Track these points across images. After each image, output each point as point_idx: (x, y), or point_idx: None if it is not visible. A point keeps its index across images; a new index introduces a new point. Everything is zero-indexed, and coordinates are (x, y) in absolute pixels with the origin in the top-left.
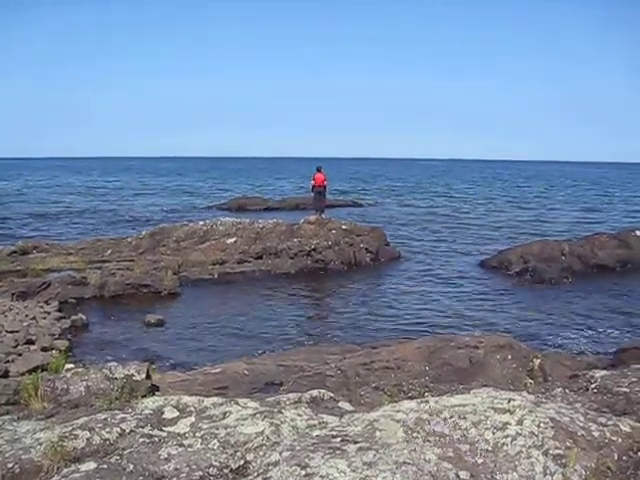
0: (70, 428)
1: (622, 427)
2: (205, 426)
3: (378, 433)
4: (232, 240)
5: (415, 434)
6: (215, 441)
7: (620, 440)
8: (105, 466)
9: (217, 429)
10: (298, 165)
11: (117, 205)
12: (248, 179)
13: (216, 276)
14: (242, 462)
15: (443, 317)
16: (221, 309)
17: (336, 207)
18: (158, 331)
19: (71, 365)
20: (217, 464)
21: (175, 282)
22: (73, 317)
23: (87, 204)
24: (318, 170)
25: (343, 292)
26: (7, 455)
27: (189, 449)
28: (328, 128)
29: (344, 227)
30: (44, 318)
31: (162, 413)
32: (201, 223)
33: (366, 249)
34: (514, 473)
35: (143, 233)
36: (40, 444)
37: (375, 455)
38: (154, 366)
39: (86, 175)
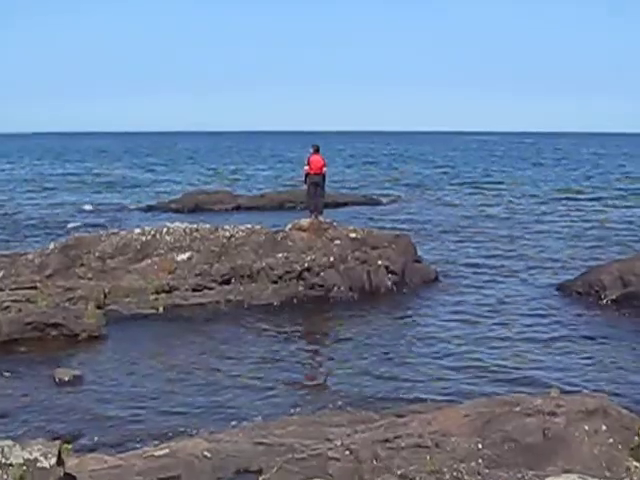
0: None
1: None
2: None
3: None
4: (185, 256)
5: None
6: None
7: None
8: None
9: None
10: (280, 142)
11: (8, 205)
12: (207, 164)
13: (161, 310)
14: None
15: (502, 369)
16: (168, 360)
17: (341, 206)
18: (75, 392)
19: None
20: None
21: (99, 320)
22: None
23: None
24: (315, 151)
25: (352, 333)
26: None
27: None
28: (325, 89)
29: (353, 235)
30: None
31: None
32: (138, 231)
33: (387, 268)
34: None
35: (51, 247)
36: None
37: None
38: (69, 446)
39: None
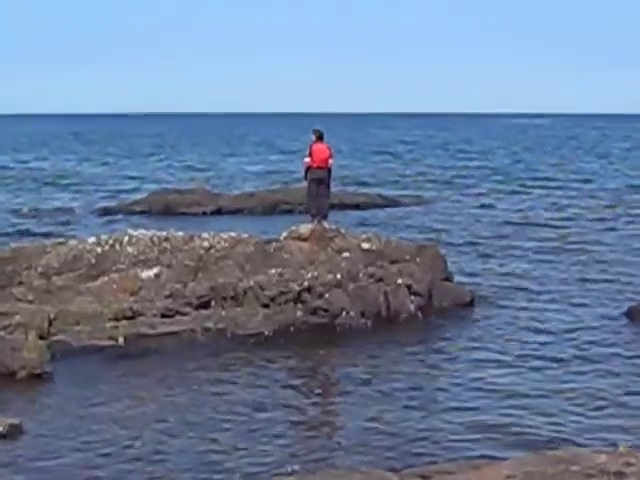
0: None
1: None
2: None
3: None
4: (152, 273)
5: None
6: None
7: None
8: None
9: None
10: (273, 127)
11: None
12: (178, 155)
13: (121, 342)
14: None
15: (553, 418)
16: (130, 405)
17: (351, 208)
18: (11, 447)
19: None
20: None
21: (42, 354)
22: None
23: None
24: (318, 138)
25: (364, 372)
26: None
27: None
28: (328, 60)
29: (366, 246)
30: None
31: None
32: (92, 241)
33: (409, 288)
34: None
35: None
36: None
37: None
38: None
39: None
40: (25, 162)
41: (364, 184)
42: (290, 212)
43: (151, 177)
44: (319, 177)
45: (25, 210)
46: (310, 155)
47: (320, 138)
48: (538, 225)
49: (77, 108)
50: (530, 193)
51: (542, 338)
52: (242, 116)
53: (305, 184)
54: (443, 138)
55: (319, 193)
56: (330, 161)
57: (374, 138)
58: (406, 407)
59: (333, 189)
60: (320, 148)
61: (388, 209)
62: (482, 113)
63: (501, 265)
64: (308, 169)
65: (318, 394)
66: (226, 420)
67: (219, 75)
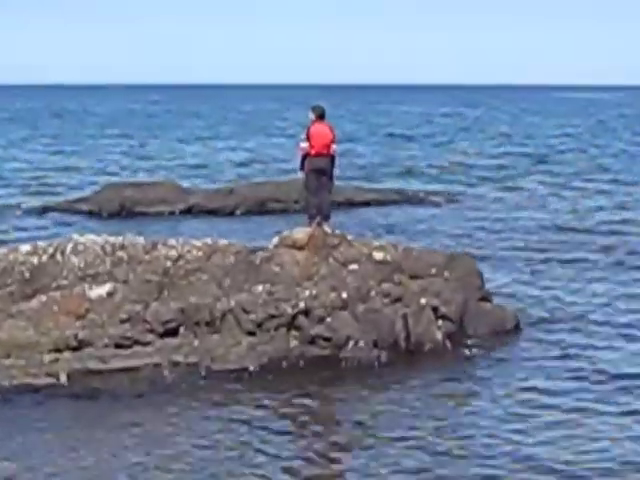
0: None
1: None
2: None
3: None
4: (104, 290)
5: None
6: None
7: None
8: None
9: None
10: (259, 101)
11: None
12: (136, 137)
13: (63, 380)
14: None
15: None
16: (74, 463)
17: (360, 206)
18: None
19: None
20: None
21: None
22: None
23: None
24: (318, 117)
25: (377, 421)
26: None
27: None
28: (331, 20)
29: (380, 256)
30: None
31: None
32: (25, 249)
33: (435, 310)
34: None
35: None
36: None
37: None
38: None
39: None
40: None
41: (376, 176)
42: (282, 212)
43: (101, 167)
44: (320, 167)
45: None
46: (308, 139)
47: (321, 117)
48: (600, 233)
49: None
50: (590, 189)
51: (601, 374)
52: (220, 88)
53: (301, 176)
54: (477, 116)
55: (319, 187)
56: (333, 146)
57: (387, 116)
58: (431, 465)
59: (337, 182)
60: (321, 130)
61: (407, 208)
62: (527, 85)
63: (552, 282)
64: (305, 157)
65: (317, 451)
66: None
67: (179, 33)
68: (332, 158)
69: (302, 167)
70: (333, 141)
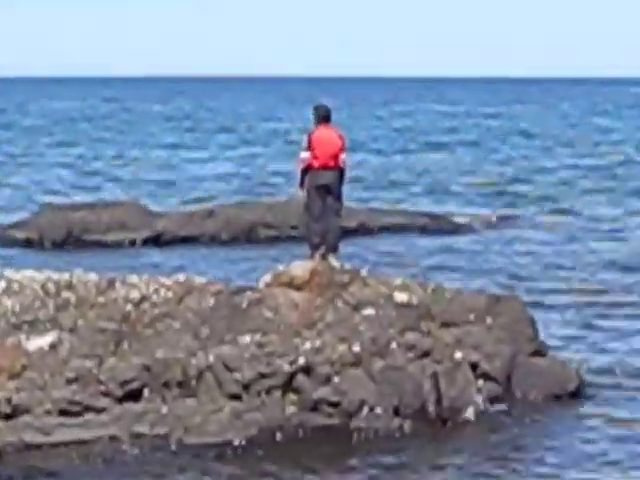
0: None
1: None
2: None
3: None
4: (45, 342)
5: None
6: None
7: None
8: None
9: None
10: (246, 96)
11: None
12: (91, 143)
13: None
14: None
15: None
16: None
17: (377, 234)
18: None
19: None
20: None
21: None
22: None
23: None
24: (322, 119)
25: None
26: None
27: None
28: None
29: (403, 298)
30: None
31: None
32: None
33: (474, 367)
34: None
35: None
36: None
37: None
38: None
39: None
40: None
41: (398, 195)
42: (275, 241)
43: (40, 184)
44: (325, 183)
45: None
46: (309, 148)
47: (325, 119)
48: None
49: None
50: None
51: None
52: (197, 81)
53: (301, 195)
54: (528, 117)
55: (324, 209)
56: (342, 157)
57: (411, 118)
58: None
59: (347, 202)
60: (327, 136)
61: (438, 236)
62: (592, 78)
63: (628, 333)
64: (307, 170)
65: None
66: None
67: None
68: (341, 172)
69: (302, 183)
70: (342, 150)
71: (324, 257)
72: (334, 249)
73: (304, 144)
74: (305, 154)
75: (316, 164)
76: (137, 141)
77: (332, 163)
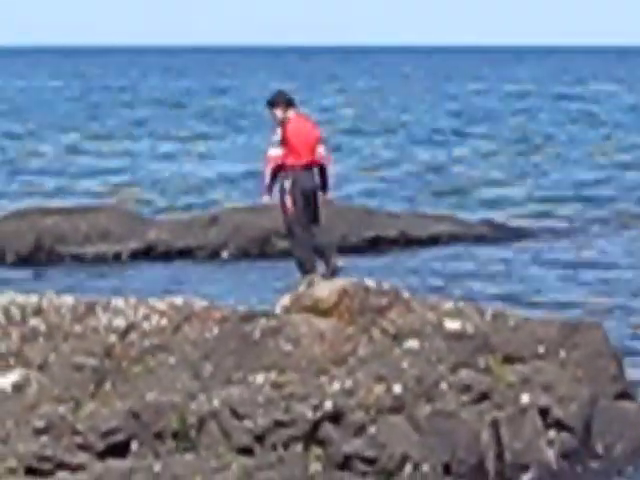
0: None
1: None
2: None
3: None
4: (8, 382)
5: None
6: None
7: None
8: None
9: None
10: (261, 72)
11: None
12: (64, 132)
13: None
14: None
15: None
16: None
17: (420, 245)
18: None
19: None
20: None
21: None
22: None
23: None
24: (289, 103)
25: None
26: None
27: None
28: None
29: (455, 327)
30: None
31: None
32: None
33: (544, 414)
34: None
35: None
36: None
37: None
38: None
39: None
40: None
41: (441, 196)
42: (283, 257)
43: (11, 184)
44: (312, 187)
45: None
46: (284, 142)
47: (293, 105)
48: None
49: None
50: None
51: None
52: (200, 51)
53: (269, 203)
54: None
55: (312, 220)
56: (320, 150)
57: (458, 101)
58: None
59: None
60: (302, 127)
61: (497, 248)
62: None
63: None
64: (279, 170)
65: None
66: None
67: None
68: (322, 169)
69: (270, 188)
70: (320, 141)
71: (332, 273)
72: (334, 272)
73: (276, 137)
74: (276, 150)
75: (299, 162)
76: (132, 131)
77: (312, 158)
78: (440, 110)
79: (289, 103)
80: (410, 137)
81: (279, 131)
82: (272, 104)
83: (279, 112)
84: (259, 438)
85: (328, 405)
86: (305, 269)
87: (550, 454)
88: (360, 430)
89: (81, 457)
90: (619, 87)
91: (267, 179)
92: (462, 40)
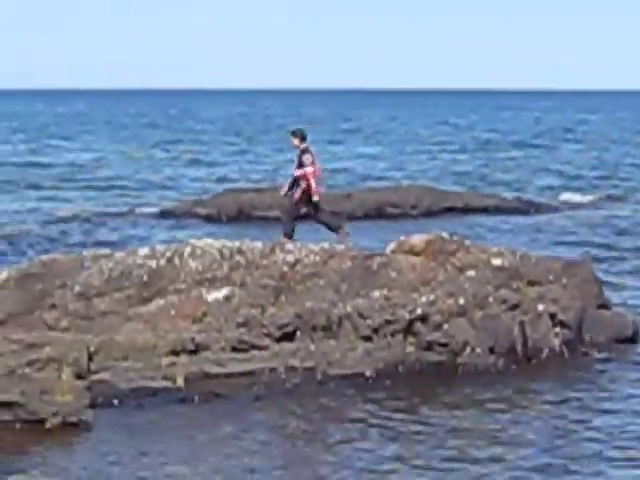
0: None
1: None
2: None
3: None
4: (221, 294)
5: None
6: None
7: None
8: None
9: None
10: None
11: None
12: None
13: (180, 383)
14: None
15: None
16: (191, 470)
17: (477, 212)
18: None
19: None
20: None
21: (79, 397)
22: None
23: None
24: (305, 138)
25: (495, 426)
26: None
27: None
28: None
29: (498, 262)
30: None
31: None
32: (144, 253)
33: (552, 317)
34: None
35: (2, 276)
36: None
37: None
38: None
39: None
40: (57, 151)
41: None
42: (398, 217)
43: (219, 171)
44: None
45: (64, 212)
46: (313, 163)
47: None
48: None
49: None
50: None
51: None
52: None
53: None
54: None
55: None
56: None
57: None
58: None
59: (454, 188)
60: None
61: (529, 217)
62: None
63: None
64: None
65: (432, 456)
66: None
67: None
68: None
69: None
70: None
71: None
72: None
73: (311, 159)
74: (310, 169)
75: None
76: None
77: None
78: None
79: (304, 137)
80: None
81: (309, 155)
82: (297, 133)
83: (297, 142)
84: (375, 330)
85: (418, 311)
86: (335, 226)
87: (556, 342)
88: (438, 326)
89: (265, 341)
90: None
91: (313, 186)
92: None
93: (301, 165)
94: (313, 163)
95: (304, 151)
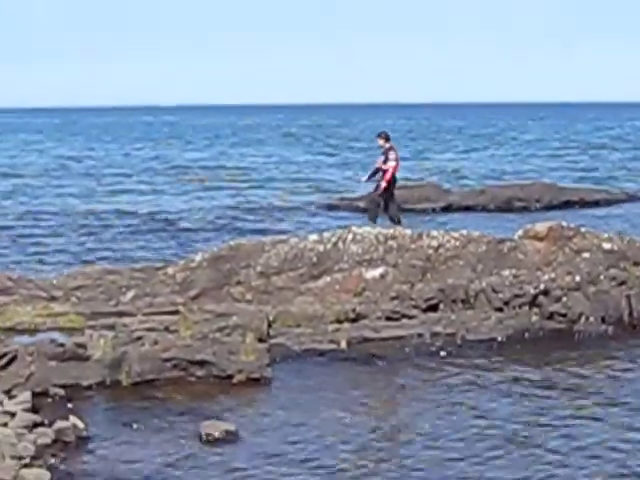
0: None
1: None
2: None
3: None
4: (377, 273)
5: None
6: None
7: None
8: None
9: None
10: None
11: (146, 202)
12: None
13: (343, 346)
14: None
15: None
16: (353, 417)
17: (589, 206)
18: (226, 453)
19: None
20: None
21: (260, 357)
22: (59, 424)
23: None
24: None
25: (607, 383)
26: None
27: None
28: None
29: (608, 246)
30: (4, 425)
31: None
32: (313, 239)
33: None
34: None
35: (197, 258)
36: None
37: None
38: None
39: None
40: (225, 153)
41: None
42: (525, 210)
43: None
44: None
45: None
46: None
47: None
48: None
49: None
50: None
51: None
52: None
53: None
54: None
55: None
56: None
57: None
58: None
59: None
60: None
61: (633, 206)
62: None
63: None
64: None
65: (558, 416)
66: (477, 434)
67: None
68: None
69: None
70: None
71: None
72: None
73: (395, 155)
74: (394, 163)
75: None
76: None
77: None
78: None
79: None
80: None
81: (394, 153)
82: (385, 132)
83: (381, 142)
84: (506, 303)
85: (542, 286)
86: (396, 219)
87: None
88: (558, 299)
89: (414, 312)
90: None
91: (389, 176)
92: None
93: (387, 160)
94: (397, 159)
95: (389, 149)
